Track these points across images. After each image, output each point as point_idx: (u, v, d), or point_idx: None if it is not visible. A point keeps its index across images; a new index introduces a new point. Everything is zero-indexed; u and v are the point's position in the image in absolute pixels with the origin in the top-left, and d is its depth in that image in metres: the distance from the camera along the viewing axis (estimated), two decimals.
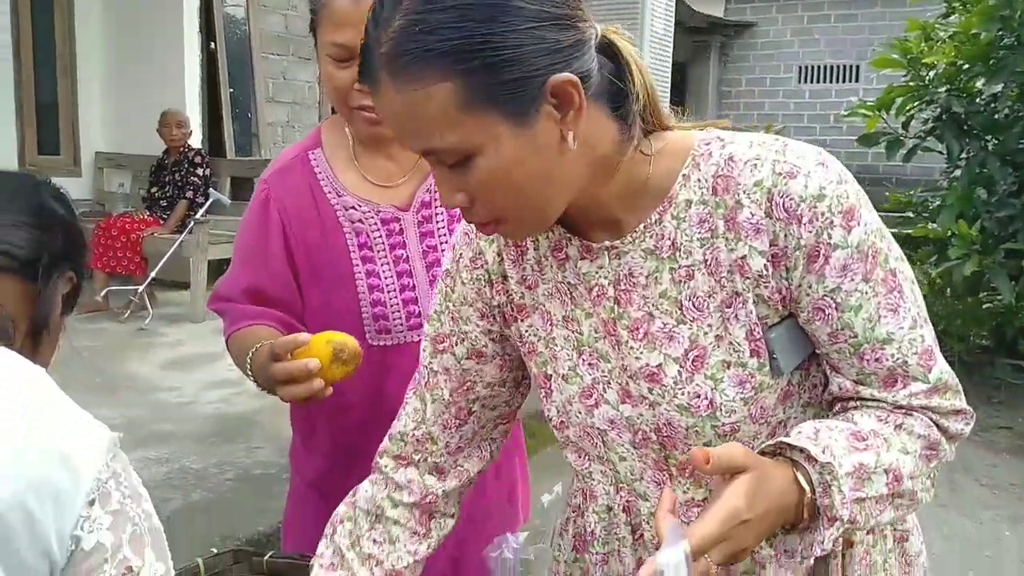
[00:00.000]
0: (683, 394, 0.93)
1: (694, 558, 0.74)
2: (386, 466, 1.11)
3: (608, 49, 0.88)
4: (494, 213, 0.87)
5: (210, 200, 5.49)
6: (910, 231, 5.15)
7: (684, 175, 0.90)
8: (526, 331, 1.04)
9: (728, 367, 0.92)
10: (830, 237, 0.85)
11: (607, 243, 0.94)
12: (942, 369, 0.91)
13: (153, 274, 5.35)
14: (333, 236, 1.40)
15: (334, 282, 1.41)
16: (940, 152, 5.30)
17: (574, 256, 0.97)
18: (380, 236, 1.41)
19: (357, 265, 1.41)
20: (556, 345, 1.02)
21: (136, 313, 5.31)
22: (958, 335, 5.31)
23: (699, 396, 0.93)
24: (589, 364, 1.00)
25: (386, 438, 1.12)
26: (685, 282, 0.92)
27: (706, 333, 0.92)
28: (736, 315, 0.90)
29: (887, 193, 6.09)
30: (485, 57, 0.77)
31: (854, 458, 0.84)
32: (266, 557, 1.34)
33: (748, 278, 0.89)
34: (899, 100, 5.26)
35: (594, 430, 1.02)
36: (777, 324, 0.91)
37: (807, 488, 0.82)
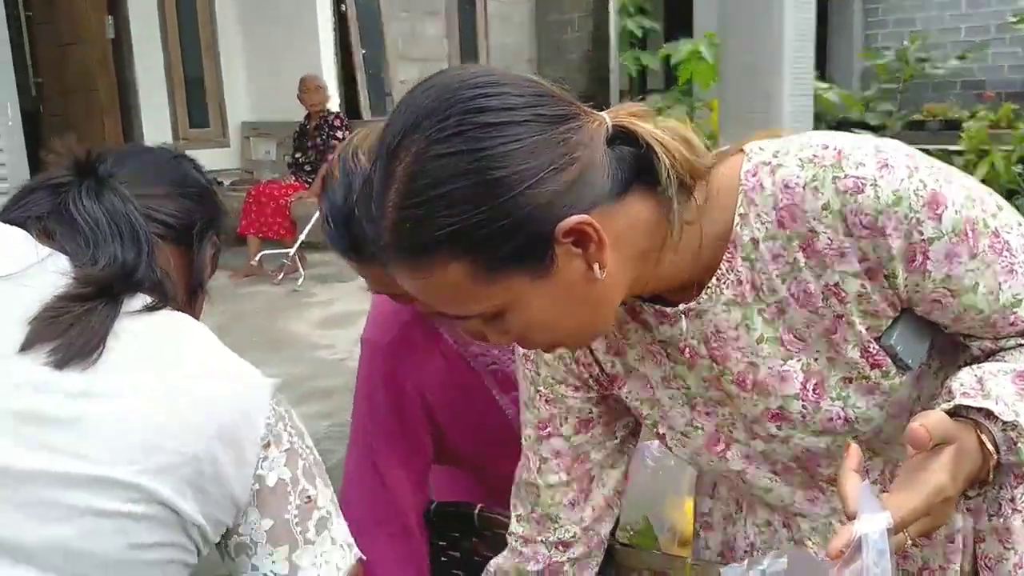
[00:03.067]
0: (814, 423, 0.89)
1: (895, 532, 0.69)
2: (515, 541, 1.11)
3: (624, 136, 0.80)
4: (543, 344, 0.87)
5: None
6: None
7: (741, 214, 0.83)
8: (627, 396, 1.00)
9: (851, 382, 0.87)
10: (922, 234, 0.78)
11: (682, 307, 0.88)
12: None
13: (303, 237, 5.57)
14: (467, 379, 1.35)
15: (478, 412, 1.38)
16: None
17: (652, 323, 0.92)
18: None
19: (501, 398, 1.37)
20: (663, 405, 0.98)
21: (289, 275, 5.55)
22: None
23: (831, 419, 0.89)
24: (706, 413, 0.96)
25: (513, 519, 1.11)
26: (778, 319, 0.86)
27: (816, 359, 0.87)
28: (844, 338, 0.85)
29: None
30: (483, 234, 0.73)
31: None
32: (432, 506, 1.38)
33: (847, 302, 0.83)
34: None
35: (731, 473, 0.99)
36: (892, 325, 0.85)
37: (992, 449, 0.76)
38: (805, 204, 0.80)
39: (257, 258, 5.74)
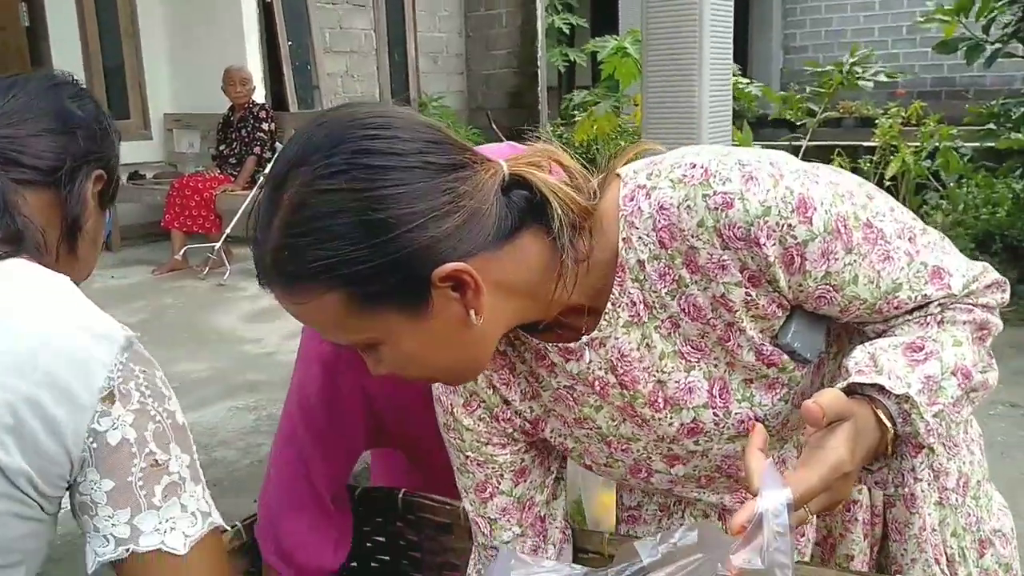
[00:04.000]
0: (728, 428, 0.93)
1: (795, 508, 0.71)
2: None
3: (520, 182, 0.84)
4: (420, 379, 0.89)
5: (277, 154, 5.58)
6: (993, 143, 4.94)
7: (624, 239, 0.86)
8: (551, 435, 1.02)
9: (752, 383, 0.91)
10: (795, 238, 0.81)
11: (584, 339, 0.90)
12: (961, 272, 0.88)
13: (228, 231, 5.49)
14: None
15: (418, 408, 1.35)
16: (1022, 57, 5.04)
17: (559, 362, 0.93)
18: None
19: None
20: (580, 443, 1.01)
21: (215, 269, 5.47)
22: None
23: (743, 421, 0.92)
24: (622, 450, 0.99)
25: None
26: (675, 332, 0.89)
27: (715, 365, 0.90)
28: (738, 344, 0.88)
29: (967, 106, 5.84)
30: (360, 270, 0.76)
31: (919, 373, 0.82)
32: (357, 491, 1.41)
33: (735, 310, 0.86)
34: (979, 2, 4.99)
35: (659, 491, 1.04)
36: (786, 323, 0.88)
37: (888, 424, 0.80)
38: (681, 223, 0.83)
39: (181, 252, 5.64)
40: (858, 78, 5.78)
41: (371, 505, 1.41)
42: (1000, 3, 4.94)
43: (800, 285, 0.84)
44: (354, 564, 1.41)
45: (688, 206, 0.82)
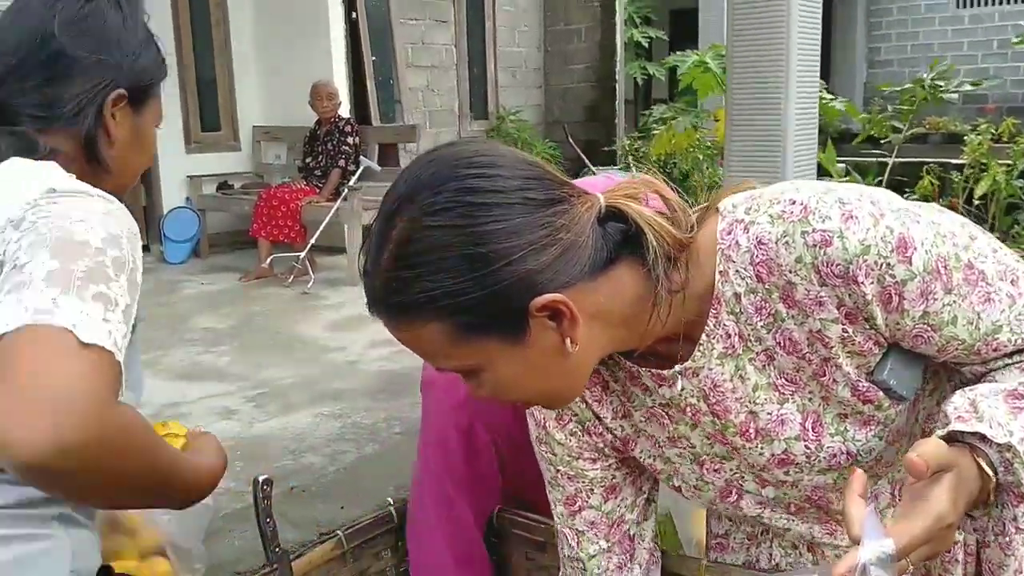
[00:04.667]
0: (819, 461, 0.93)
1: (897, 558, 0.71)
2: None
3: (616, 214, 0.86)
4: (520, 403, 0.94)
5: (361, 167, 5.72)
6: None
7: (721, 271, 0.87)
8: (640, 455, 1.04)
9: (847, 417, 0.91)
10: (894, 277, 0.81)
11: (678, 368, 0.92)
12: None
13: (312, 240, 5.63)
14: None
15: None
16: None
17: (652, 386, 0.96)
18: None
19: None
20: (672, 463, 1.02)
21: (299, 278, 5.62)
22: None
23: (835, 455, 0.92)
24: (714, 470, 1.00)
25: None
26: (769, 365, 0.90)
27: (810, 400, 0.91)
28: (833, 379, 0.89)
29: None
30: (462, 301, 0.79)
31: (1021, 420, 0.80)
32: None
33: (831, 346, 0.86)
34: None
35: (747, 517, 1.04)
36: (882, 360, 0.88)
37: (990, 472, 0.79)
38: (780, 258, 0.84)
39: (268, 261, 5.81)
40: (942, 91, 5.62)
41: None
42: None
43: (898, 324, 0.84)
44: None
45: (787, 242, 0.83)
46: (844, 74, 9.73)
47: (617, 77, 8.57)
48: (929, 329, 0.84)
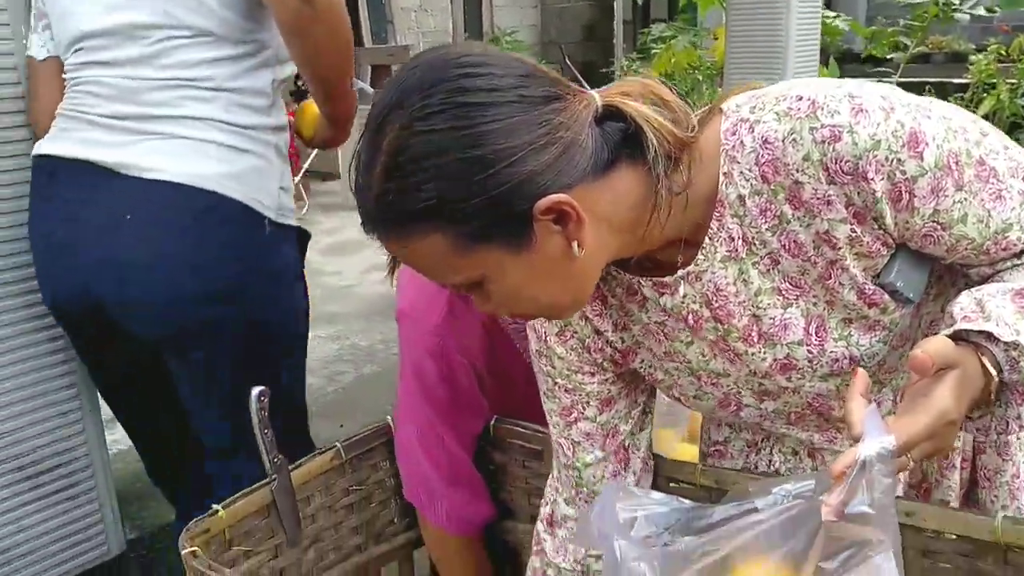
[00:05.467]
0: (822, 366, 0.92)
1: (898, 454, 0.71)
2: (573, 528, 1.13)
3: (614, 113, 0.82)
4: (525, 315, 0.90)
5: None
6: None
7: (725, 173, 0.85)
8: (640, 366, 1.03)
9: (851, 322, 0.89)
10: (904, 173, 0.79)
11: (680, 273, 0.90)
12: None
13: (305, 166, 5.57)
14: (506, 345, 1.38)
15: (520, 382, 1.39)
16: None
17: (652, 296, 0.93)
18: None
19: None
20: (670, 376, 1.01)
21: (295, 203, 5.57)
22: None
23: (838, 360, 0.91)
24: (712, 384, 0.99)
25: (560, 502, 1.14)
26: (773, 269, 0.88)
27: (815, 304, 0.89)
28: (839, 282, 0.87)
29: None
30: (462, 208, 0.76)
31: None
32: None
33: (839, 247, 0.84)
34: None
35: (748, 423, 1.04)
36: (889, 262, 0.86)
37: (994, 371, 0.78)
38: (786, 157, 0.81)
39: None
40: (955, 9, 5.49)
41: None
42: None
43: (907, 222, 0.82)
44: None
45: (794, 140, 0.80)
46: None
47: None
48: (939, 227, 0.82)
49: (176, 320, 1.37)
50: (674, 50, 6.09)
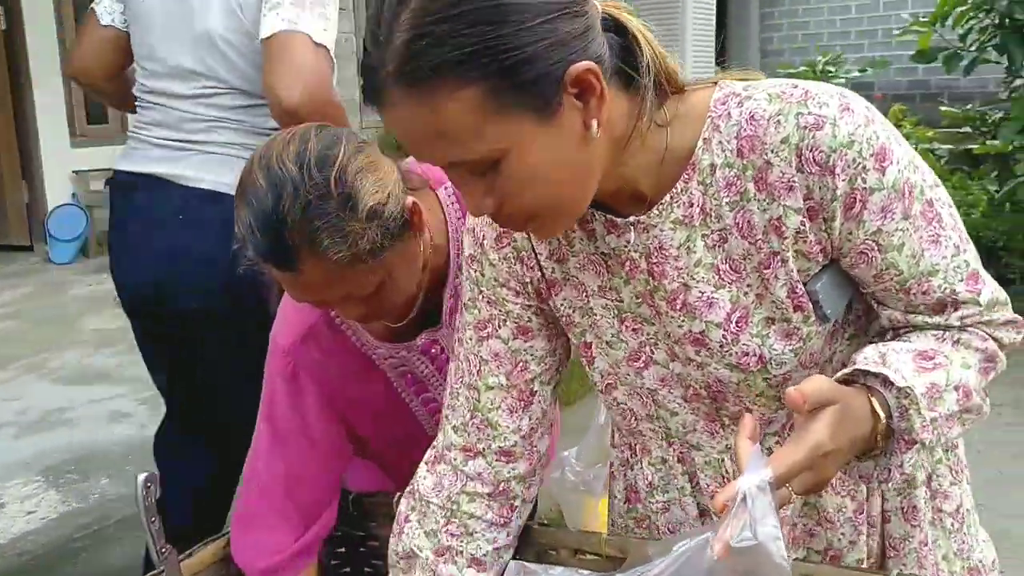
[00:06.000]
0: (731, 355, 0.93)
1: (777, 486, 0.74)
2: (455, 459, 1.08)
3: (612, 24, 0.85)
4: (525, 212, 0.85)
5: None
6: (970, 147, 5.01)
7: (705, 139, 0.87)
8: (560, 304, 1.03)
9: (772, 323, 0.92)
10: (864, 182, 0.83)
11: (633, 218, 0.92)
12: (991, 288, 0.91)
13: None
14: (376, 383, 1.36)
15: (393, 421, 1.40)
16: (998, 63, 5.12)
17: (600, 231, 0.95)
18: (425, 365, 1.36)
19: (412, 400, 1.40)
20: (595, 314, 1.01)
21: None
22: (1021, 251, 5.19)
23: (747, 354, 0.93)
24: (633, 329, 0.99)
25: (448, 431, 1.10)
26: (719, 246, 0.90)
27: (746, 293, 0.91)
28: (775, 275, 0.89)
29: (941, 109, 5.91)
30: (499, 60, 0.74)
31: (925, 378, 0.84)
32: (351, 497, 1.41)
33: (785, 237, 0.87)
34: (956, 11, 5.06)
35: (644, 390, 1.03)
36: (818, 273, 0.90)
37: (882, 415, 0.82)
38: (766, 136, 0.84)
39: None
40: (831, 76, 5.83)
41: (365, 510, 1.41)
42: (974, 13, 5.02)
43: (851, 233, 0.86)
44: (347, 570, 1.42)
45: (778, 120, 0.84)
46: (740, 61, 9.99)
47: None
48: (876, 248, 0.86)
49: (207, 301, 1.68)
50: None
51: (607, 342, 1.02)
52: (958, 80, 6.20)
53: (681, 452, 1.07)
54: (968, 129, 5.38)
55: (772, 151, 0.84)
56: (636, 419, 1.07)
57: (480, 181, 0.82)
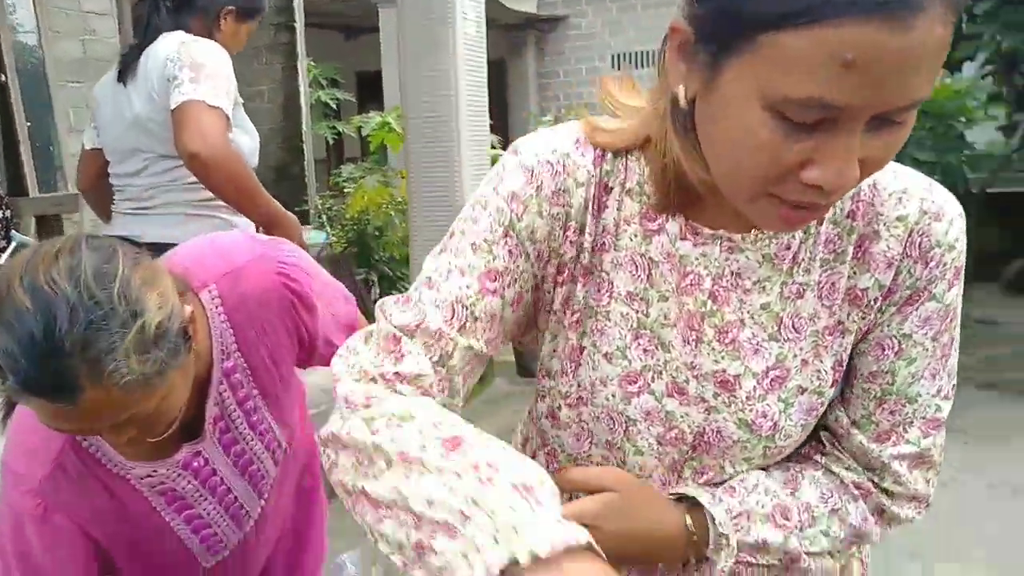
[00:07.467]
0: (751, 411, 0.87)
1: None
2: (404, 392, 0.84)
3: None
4: (850, 187, 0.71)
5: (12, 245, 5.11)
6: None
7: None
8: (577, 296, 0.90)
9: (803, 393, 0.88)
10: (936, 287, 0.84)
11: (724, 232, 0.85)
12: (937, 443, 0.90)
13: None
14: (135, 506, 1.25)
15: (153, 545, 1.30)
16: None
17: (673, 233, 0.86)
18: (187, 480, 1.27)
19: (174, 519, 1.29)
20: (608, 320, 0.89)
21: None
22: None
23: (766, 416, 0.88)
24: (644, 350, 0.89)
25: (400, 381, 0.85)
26: (792, 300, 0.86)
27: (795, 356, 0.87)
28: (832, 345, 0.87)
29: None
30: None
31: (764, 532, 0.87)
32: None
33: (859, 308, 0.86)
34: None
35: (620, 417, 0.90)
36: None
37: (695, 530, 0.86)
38: (884, 208, 0.84)
39: None
40: None
41: None
42: None
43: (890, 323, 0.86)
44: None
45: (901, 198, 0.84)
46: (520, 129, 10.44)
47: (304, 138, 8.49)
48: (896, 348, 0.87)
49: None
50: (365, 189, 6.24)
51: (605, 354, 0.89)
52: None
53: None
54: None
55: (885, 224, 0.84)
56: (591, 443, 0.93)
57: (870, 139, 0.68)
